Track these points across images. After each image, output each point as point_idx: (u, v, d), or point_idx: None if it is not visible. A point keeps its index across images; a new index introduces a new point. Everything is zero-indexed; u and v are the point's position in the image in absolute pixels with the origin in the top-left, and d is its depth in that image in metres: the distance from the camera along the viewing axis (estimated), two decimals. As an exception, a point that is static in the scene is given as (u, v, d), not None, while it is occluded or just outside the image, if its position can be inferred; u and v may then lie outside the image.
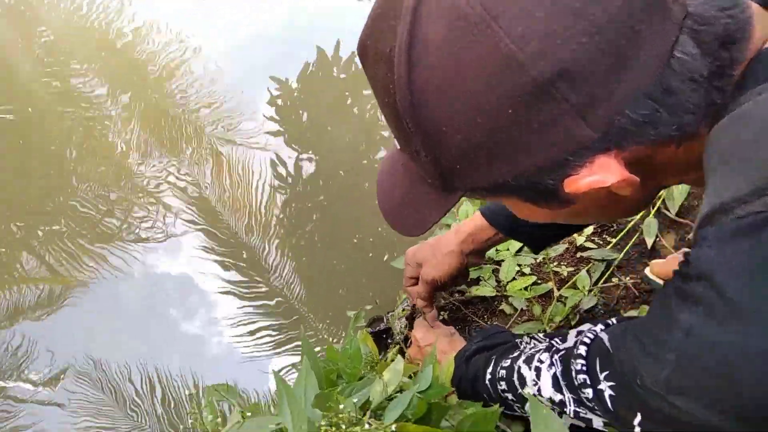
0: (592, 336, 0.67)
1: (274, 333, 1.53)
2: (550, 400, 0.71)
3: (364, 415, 0.74)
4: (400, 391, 0.81)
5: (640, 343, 0.53)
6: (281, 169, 2.02)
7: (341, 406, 0.71)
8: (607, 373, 0.61)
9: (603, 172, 0.49)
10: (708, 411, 0.47)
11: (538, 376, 0.73)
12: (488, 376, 0.84)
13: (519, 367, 0.77)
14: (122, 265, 1.65)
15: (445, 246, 1.02)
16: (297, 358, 1.49)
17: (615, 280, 1.23)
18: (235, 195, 1.90)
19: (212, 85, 2.34)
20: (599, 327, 0.69)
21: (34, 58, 2.45)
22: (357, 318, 1.06)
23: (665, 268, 1.06)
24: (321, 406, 0.72)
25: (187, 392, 1.38)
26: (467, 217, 1.13)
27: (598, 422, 0.68)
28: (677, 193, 1.21)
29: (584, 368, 0.65)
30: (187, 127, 2.16)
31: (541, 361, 0.73)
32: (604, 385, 0.61)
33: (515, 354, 0.81)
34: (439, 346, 1.00)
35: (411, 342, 1.12)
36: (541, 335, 0.83)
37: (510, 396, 0.81)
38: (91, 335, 1.46)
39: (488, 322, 1.32)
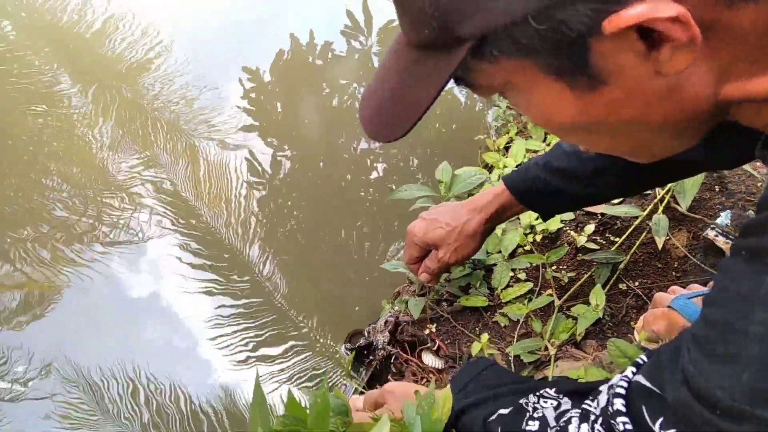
0: (625, 383, 0.51)
1: (257, 333, 1.46)
2: None
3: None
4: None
5: (702, 351, 0.40)
6: (257, 165, 1.92)
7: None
8: (661, 420, 0.45)
9: (655, 3, 0.37)
10: None
11: None
12: None
13: None
14: (100, 268, 1.59)
15: (469, 227, 0.97)
16: (280, 366, 1.41)
17: (622, 285, 1.09)
18: (212, 192, 1.83)
19: (184, 79, 2.26)
20: (630, 370, 0.53)
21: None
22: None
23: (663, 320, 0.91)
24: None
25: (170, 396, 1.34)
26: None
27: None
28: (689, 185, 1.07)
29: (629, 427, 0.49)
30: (161, 124, 2.09)
31: None
32: None
33: (533, 427, 0.61)
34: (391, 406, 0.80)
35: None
36: (552, 392, 0.64)
37: None
38: (70, 341, 1.43)
39: (480, 336, 1.19)
